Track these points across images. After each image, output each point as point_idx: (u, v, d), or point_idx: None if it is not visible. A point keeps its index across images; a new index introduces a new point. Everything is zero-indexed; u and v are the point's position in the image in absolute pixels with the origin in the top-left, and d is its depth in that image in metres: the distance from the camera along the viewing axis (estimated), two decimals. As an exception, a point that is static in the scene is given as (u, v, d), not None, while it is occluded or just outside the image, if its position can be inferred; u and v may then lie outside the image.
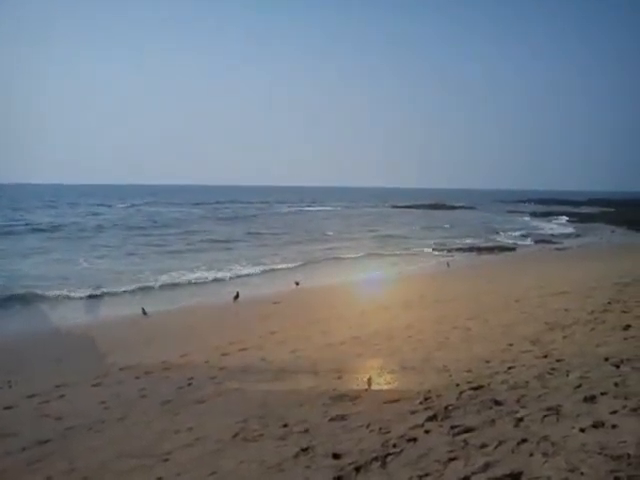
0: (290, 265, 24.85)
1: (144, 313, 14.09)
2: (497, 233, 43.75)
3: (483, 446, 4.13)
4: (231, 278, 21.16)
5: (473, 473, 3.73)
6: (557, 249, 31.83)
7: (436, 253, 30.57)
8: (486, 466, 3.80)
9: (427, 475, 3.82)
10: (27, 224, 43.78)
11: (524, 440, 4.11)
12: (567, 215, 65.98)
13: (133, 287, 18.50)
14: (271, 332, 10.81)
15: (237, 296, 16.15)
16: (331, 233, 42.88)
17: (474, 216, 68.66)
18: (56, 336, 12.05)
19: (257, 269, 23.40)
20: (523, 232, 44.21)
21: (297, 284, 18.65)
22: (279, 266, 24.57)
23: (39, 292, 17.03)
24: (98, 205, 78.20)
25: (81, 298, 16.77)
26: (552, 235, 41.85)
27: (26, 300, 16.22)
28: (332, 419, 5.21)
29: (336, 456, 4.32)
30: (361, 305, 13.66)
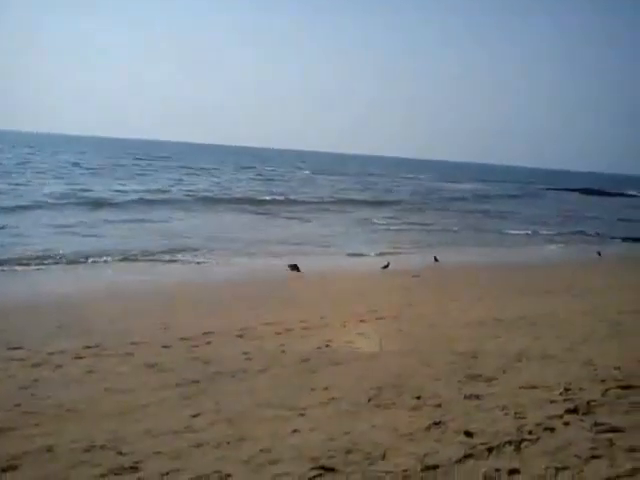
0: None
1: (295, 269, 14.80)
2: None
3: (631, 450, 3.89)
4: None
5: (618, 476, 3.55)
6: None
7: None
8: (634, 471, 3.59)
9: (565, 469, 3.69)
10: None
11: (681, 453, 3.81)
12: None
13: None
14: (409, 304, 10.83)
15: (387, 265, 16.44)
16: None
17: (635, 204, 62.99)
18: (210, 288, 13.00)
19: None
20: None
21: (436, 259, 18.40)
22: None
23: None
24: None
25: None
26: None
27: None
28: (466, 397, 5.18)
29: (468, 434, 4.30)
30: (503, 288, 13.22)
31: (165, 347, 7.55)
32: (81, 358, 7.00)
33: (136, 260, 16.07)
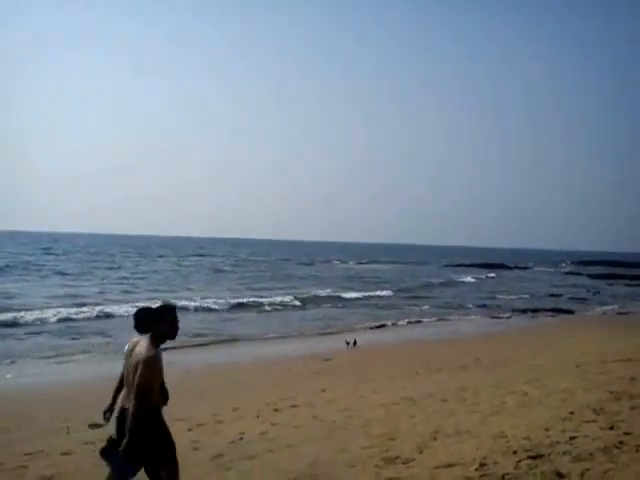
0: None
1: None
2: (555, 295, 42.48)
3: (544, 523, 3.94)
4: None
5: None
6: (619, 313, 30.65)
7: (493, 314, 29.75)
8: None
9: None
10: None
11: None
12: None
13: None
14: (322, 389, 10.73)
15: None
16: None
17: (531, 277, 67.17)
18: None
19: None
20: (584, 295, 42.86)
21: (348, 343, 18.45)
22: None
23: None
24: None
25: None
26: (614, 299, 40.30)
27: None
28: (385, 482, 5.10)
29: (389, 521, 4.21)
30: (413, 366, 13.41)
31: (65, 454, 6.99)
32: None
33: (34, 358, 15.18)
